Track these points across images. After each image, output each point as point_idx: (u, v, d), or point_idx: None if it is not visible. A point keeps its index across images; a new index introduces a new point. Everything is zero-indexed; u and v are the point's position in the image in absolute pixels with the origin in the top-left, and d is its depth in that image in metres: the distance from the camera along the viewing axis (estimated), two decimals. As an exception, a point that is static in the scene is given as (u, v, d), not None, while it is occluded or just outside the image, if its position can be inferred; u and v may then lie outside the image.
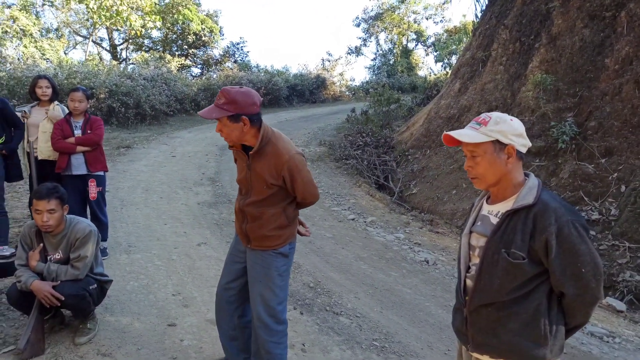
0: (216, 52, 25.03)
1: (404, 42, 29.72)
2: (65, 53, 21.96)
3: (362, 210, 7.00)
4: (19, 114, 4.26)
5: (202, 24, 22.74)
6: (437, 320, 3.78)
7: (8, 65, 13.02)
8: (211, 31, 23.48)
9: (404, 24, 29.04)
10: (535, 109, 6.82)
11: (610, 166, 5.62)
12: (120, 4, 15.57)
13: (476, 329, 1.65)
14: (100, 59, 22.42)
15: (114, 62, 19.27)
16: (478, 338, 1.65)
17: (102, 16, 16.36)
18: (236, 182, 2.49)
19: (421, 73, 27.53)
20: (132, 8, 16.90)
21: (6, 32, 16.16)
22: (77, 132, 4.21)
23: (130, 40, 23.84)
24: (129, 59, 23.82)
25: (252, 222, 2.36)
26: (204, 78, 20.82)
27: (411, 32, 29.62)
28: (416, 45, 30.32)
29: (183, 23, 22.22)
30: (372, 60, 30.66)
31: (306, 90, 21.36)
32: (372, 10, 29.31)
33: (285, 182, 2.26)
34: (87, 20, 21.38)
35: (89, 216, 4.32)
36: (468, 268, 1.71)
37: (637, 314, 4.44)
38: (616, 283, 4.74)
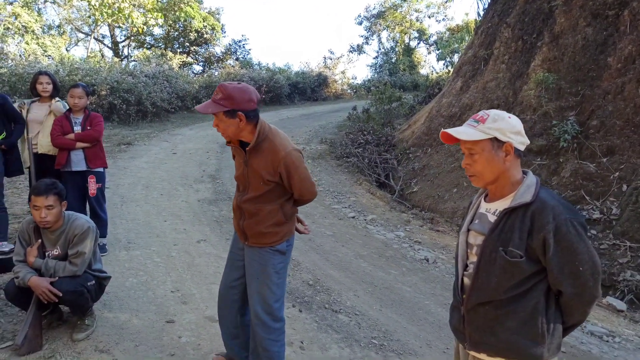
0: (218, 50, 25.03)
1: (406, 41, 29.63)
2: (67, 50, 21.96)
3: (363, 208, 6.99)
4: (16, 106, 4.26)
5: (204, 21, 22.71)
6: (437, 318, 3.77)
7: (10, 61, 13.01)
8: (213, 29, 23.44)
9: (406, 22, 28.95)
10: (537, 107, 6.80)
11: (612, 165, 5.60)
12: (122, 1, 15.57)
13: (473, 328, 1.64)
14: (102, 56, 22.42)
15: (116, 59, 19.26)
16: (475, 336, 1.65)
17: (104, 13, 16.36)
18: (234, 178, 2.49)
19: (423, 71, 27.46)
20: (134, 5, 16.91)
21: (8, 28, 16.15)
22: (77, 129, 4.20)
23: (132, 38, 23.85)
24: (131, 56, 23.83)
25: (249, 219, 2.35)
26: (205, 75, 20.82)
27: (413, 30, 29.52)
28: (418, 43, 30.25)
29: (185, 20, 22.20)
30: (374, 58, 30.58)
31: (308, 88, 21.31)
32: (374, 8, 29.24)
33: (282, 179, 2.25)
34: (89, 17, 21.37)
35: (88, 213, 4.32)
36: (466, 266, 1.70)
37: (638, 313, 4.42)
38: (617, 282, 4.72)
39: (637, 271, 4.69)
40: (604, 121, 5.94)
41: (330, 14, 69.42)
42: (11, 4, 17.92)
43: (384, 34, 30.11)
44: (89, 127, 4.23)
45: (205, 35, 23.20)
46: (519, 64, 7.71)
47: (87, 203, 4.35)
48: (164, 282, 3.82)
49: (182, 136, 11.33)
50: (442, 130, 1.62)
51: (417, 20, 29.30)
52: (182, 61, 20.93)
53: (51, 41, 18.78)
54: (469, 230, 1.70)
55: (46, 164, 4.23)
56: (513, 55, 7.94)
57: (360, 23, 29.84)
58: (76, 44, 24.79)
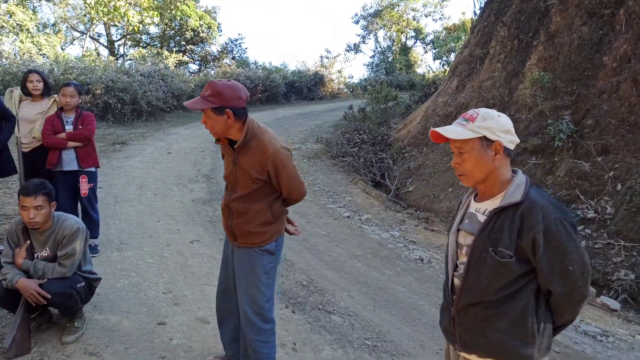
0: (214, 49, 24.95)
1: (403, 40, 29.62)
2: (62, 49, 21.85)
3: (358, 207, 6.97)
4: (8, 94, 4.21)
5: (200, 20, 22.62)
6: (430, 319, 3.75)
7: (4, 60, 12.93)
8: (209, 27, 23.36)
9: (403, 21, 28.94)
10: (533, 106, 6.79)
11: (607, 164, 5.60)
12: (118, 0, 15.50)
13: (464, 328, 1.64)
14: (98, 54, 22.33)
15: (111, 58, 19.19)
16: (466, 337, 1.64)
17: (100, 12, 16.28)
18: (223, 178, 2.47)
19: (420, 70, 27.45)
20: (129, 3, 16.83)
21: (2, 27, 16.05)
22: (69, 128, 4.15)
23: (128, 36, 23.72)
24: (127, 55, 23.70)
25: (238, 218, 2.34)
26: (201, 74, 20.73)
27: (410, 29, 29.50)
28: (415, 42, 30.24)
29: (181, 19, 22.11)
30: (371, 57, 30.54)
31: (304, 87, 21.27)
32: (371, 7, 29.20)
33: (270, 177, 2.24)
34: (85, 15, 21.27)
35: (80, 213, 4.28)
36: (456, 267, 1.68)
37: (631, 312, 4.42)
38: (611, 282, 4.72)
39: (631, 270, 4.68)
40: (599, 120, 5.94)
41: (327, 13, 69.41)
42: (6, 1, 17.78)
43: (381, 33, 30.12)
44: (80, 126, 4.19)
45: (201, 34, 23.12)
46: (515, 63, 7.70)
47: (79, 203, 4.31)
48: (156, 283, 3.79)
49: (178, 135, 11.28)
50: (432, 129, 1.60)
51: (414, 19, 29.32)
52: (178, 60, 20.86)
53: (46, 40, 18.67)
54: (458, 230, 1.69)
55: (37, 164, 4.18)
56: (509, 54, 7.93)
57: (357, 22, 29.82)
58: (72, 43, 24.70)
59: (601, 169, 5.61)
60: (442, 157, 7.97)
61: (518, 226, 1.48)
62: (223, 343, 2.69)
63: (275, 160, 2.19)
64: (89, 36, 23.25)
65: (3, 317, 3.05)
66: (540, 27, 7.45)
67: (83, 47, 22.31)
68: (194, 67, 24.48)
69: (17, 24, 17.04)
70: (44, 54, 16.80)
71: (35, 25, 19.10)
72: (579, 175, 5.78)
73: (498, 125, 1.53)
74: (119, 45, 24.30)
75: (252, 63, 24.04)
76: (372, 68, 29.51)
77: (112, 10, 15.99)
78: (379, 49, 30.15)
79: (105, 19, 18.35)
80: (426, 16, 29.77)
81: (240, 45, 25.87)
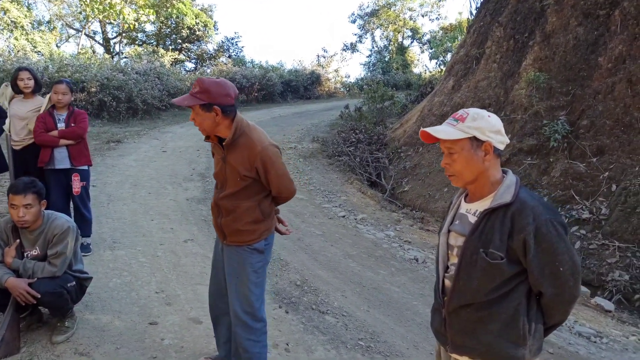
0: (210, 47, 24.82)
1: (400, 39, 29.62)
2: (57, 46, 21.74)
3: (353, 207, 6.95)
4: (4, 87, 4.17)
5: (196, 18, 22.52)
6: (424, 319, 3.74)
7: (-2, 57, 12.82)
8: (205, 26, 23.26)
9: (400, 20, 28.95)
10: (528, 107, 6.79)
11: (602, 165, 5.60)
12: (113, -3, 15.40)
13: (455, 330, 1.63)
14: (94, 52, 22.19)
15: (106, 56, 19.07)
16: (457, 339, 1.63)
17: (95, 9, 16.13)
18: (213, 176, 2.47)
19: (416, 70, 27.47)
20: (125, 1, 16.72)
21: (-4, 24, 15.95)
22: (61, 125, 4.11)
23: (124, 34, 23.60)
24: (122, 53, 23.59)
25: (227, 216, 2.33)
26: (197, 73, 20.65)
27: (407, 29, 29.52)
28: (412, 42, 30.27)
29: (177, 17, 21.99)
30: (368, 57, 30.54)
31: (301, 86, 21.22)
32: (368, 7, 29.20)
33: (259, 174, 2.24)
34: (80, 13, 21.14)
35: (72, 211, 4.24)
36: (446, 268, 1.67)
37: (625, 313, 4.43)
38: (605, 282, 4.73)
39: (625, 271, 4.69)
40: (594, 121, 5.94)
41: (323, 12, 69.21)
42: (0, -2, 17.66)
43: (378, 33, 30.12)
44: (73, 124, 4.15)
45: (197, 32, 23.01)
46: (511, 63, 7.71)
47: (71, 202, 4.27)
48: (149, 282, 3.76)
49: (173, 134, 11.22)
50: (422, 129, 1.59)
51: (411, 19, 29.34)
52: (174, 58, 20.75)
53: (41, 37, 18.55)
54: (449, 231, 1.67)
55: (28, 163, 4.14)
56: (504, 54, 7.94)
57: (353, 21, 29.82)
58: (67, 40, 24.54)
59: (596, 170, 5.62)
60: (438, 157, 7.96)
61: (509, 227, 1.48)
62: (217, 343, 2.67)
63: (264, 158, 2.19)
64: (85, 34, 23.12)
65: (-8, 317, 3.01)
66: (536, 28, 7.45)
67: (78, 45, 22.21)
68: (190, 65, 24.37)
69: (12, 21, 16.93)
70: (39, 52, 16.68)
71: (30, 23, 18.98)
72: (574, 176, 5.78)
73: (488, 126, 1.52)
74: (114, 43, 24.18)
75: (249, 62, 23.99)
76: (368, 67, 29.53)
77: (108, 8, 15.83)
78: (376, 49, 30.18)
79: (100, 17, 18.22)
80: (423, 16, 29.83)
81: (236, 44, 25.78)
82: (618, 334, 3.91)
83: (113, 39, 24.06)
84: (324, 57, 26.99)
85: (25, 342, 2.78)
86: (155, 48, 21.51)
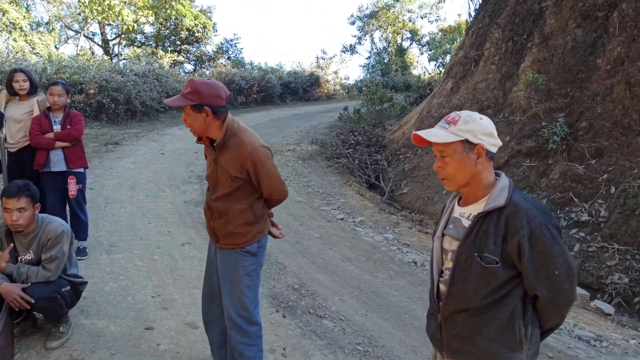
0: (209, 49, 24.85)
1: (399, 41, 29.63)
2: (56, 47, 21.71)
3: (352, 210, 6.93)
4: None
5: (195, 19, 22.55)
6: (423, 323, 3.67)
7: (-4, 59, 12.79)
8: (204, 27, 23.28)
9: (399, 22, 28.96)
10: (527, 109, 6.77)
11: (601, 167, 5.58)
12: (113, -2, 15.39)
13: (451, 336, 1.61)
14: (93, 54, 22.18)
15: (105, 57, 19.05)
16: (453, 344, 1.61)
17: (94, 10, 16.16)
18: (205, 179, 2.46)
19: (415, 72, 27.49)
20: (124, 2, 16.72)
21: (-5, 25, 15.93)
22: (56, 128, 4.09)
23: (123, 36, 23.59)
24: (121, 55, 23.58)
25: (219, 219, 2.32)
26: (196, 74, 20.64)
27: (406, 30, 29.54)
28: (411, 44, 30.27)
29: (176, 19, 22.02)
30: (367, 58, 30.52)
31: (300, 88, 21.21)
32: (367, 8, 29.21)
33: (250, 176, 2.23)
34: (79, 14, 21.13)
35: (68, 214, 4.21)
36: (441, 272, 1.65)
37: (625, 317, 4.40)
38: (605, 285, 4.70)
39: (624, 274, 4.67)
40: (592, 123, 5.93)
41: (322, 14, 69.25)
42: (-2, 0, 17.65)
43: (377, 34, 30.13)
44: (68, 126, 4.12)
45: (196, 34, 23.03)
46: (509, 65, 7.70)
47: (67, 205, 4.24)
48: (145, 286, 3.73)
49: (171, 136, 11.19)
50: (414, 132, 1.57)
51: (410, 20, 29.34)
52: (173, 60, 20.76)
53: (40, 38, 18.53)
54: (443, 235, 1.65)
55: (23, 166, 4.10)
56: (503, 56, 7.92)
57: (353, 23, 29.81)
58: (66, 42, 24.53)
59: (595, 172, 5.60)
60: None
61: (503, 231, 1.46)
62: (211, 349, 2.65)
63: (254, 159, 2.18)
64: (84, 35, 23.10)
65: (-14, 322, 2.98)
66: (534, 29, 7.44)
67: (77, 46, 22.18)
68: (189, 67, 24.39)
69: (10, 22, 16.90)
70: (37, 53, 16.66)
71: (29, 24, 18.96)
72: (572, 178, 5.76)
73: (480, 128, 1.50)
74: (113, 45, 24.16)
75: (248, 63, 23.98)
76: (368, 69, 29.52)
77: (107, 9, 15.88)
78: (375, 50, 30.18)
79: (99, 18, 18.23)
80: (422, 18, 29.80)
81: (235, 45, 25.82)
82: (618, 338, 3.88)
83: (112, 40, 24.06)
84: (323, 59, 27.03)
85: (19, 348, 2.75)
86: (154, 49, 21.51)
